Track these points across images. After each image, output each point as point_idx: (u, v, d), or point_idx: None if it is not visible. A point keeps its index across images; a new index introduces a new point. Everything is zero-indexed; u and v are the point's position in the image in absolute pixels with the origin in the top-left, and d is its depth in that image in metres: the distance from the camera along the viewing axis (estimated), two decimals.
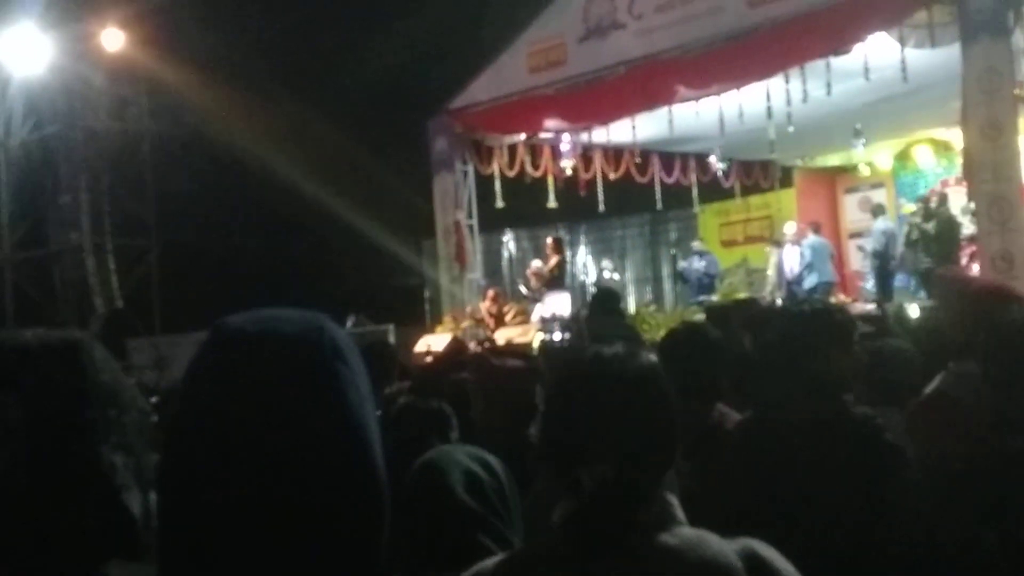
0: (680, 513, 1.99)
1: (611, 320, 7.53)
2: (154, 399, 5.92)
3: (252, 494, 1.22)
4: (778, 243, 18.92)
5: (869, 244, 18.15)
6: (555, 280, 16.84)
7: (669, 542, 1.91)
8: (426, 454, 2.63)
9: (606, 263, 21.70)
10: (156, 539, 1.28)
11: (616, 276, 21.23)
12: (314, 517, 1.23)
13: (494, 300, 16.67)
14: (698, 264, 19.46)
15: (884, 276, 17.33)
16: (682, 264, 20.34)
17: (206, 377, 1.29)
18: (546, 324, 14.77)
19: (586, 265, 24.50)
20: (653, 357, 2.12)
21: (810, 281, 17.75)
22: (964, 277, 8.26)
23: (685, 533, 1.95)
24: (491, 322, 16.29)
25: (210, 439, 1.25)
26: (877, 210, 18.17)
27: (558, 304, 16.02)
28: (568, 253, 24.30)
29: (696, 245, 20.16)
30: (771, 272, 19.00)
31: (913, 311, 10.07)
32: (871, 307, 13.59)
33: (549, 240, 18.07)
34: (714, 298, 17.62)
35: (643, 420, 2.01)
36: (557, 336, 13.36)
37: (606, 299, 8.56)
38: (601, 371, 2.06)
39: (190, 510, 1.24)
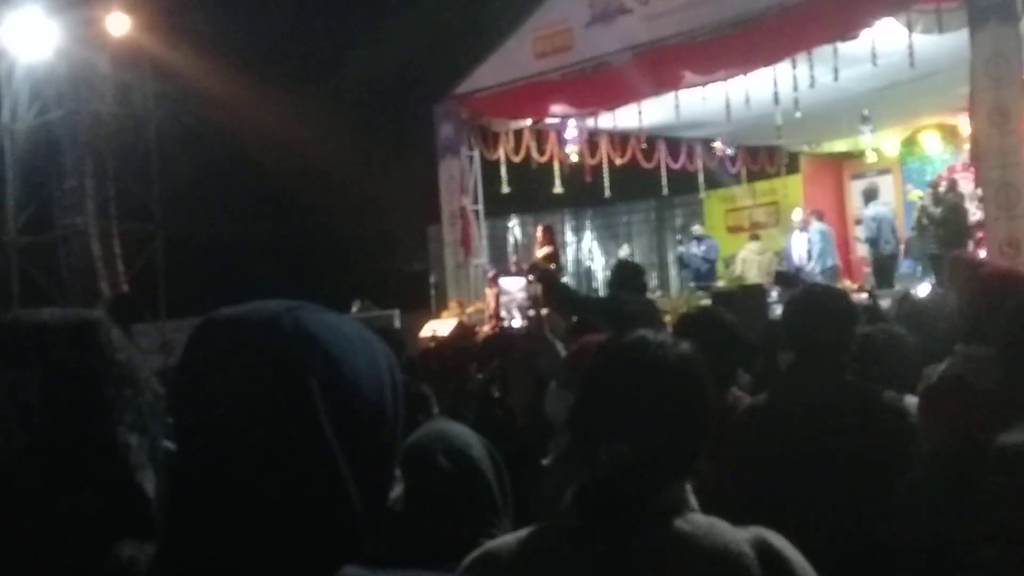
0: (693, 500, 1.99)
1: (633, 297, 7.46)
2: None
3: (215, 479, 1.27)
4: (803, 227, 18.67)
5: (862, 232, 18.11)
6: None
7: (683, 528, 1.92)
8: (416, 432, 2.66)
9: (624, 249, 21.69)
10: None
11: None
12: (275, 502, 1.27)
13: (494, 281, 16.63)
14: (696, 249, 19.49)
15: (879, 262, 17.28)
16: (680, 249, 20.39)
17: (181, 364, 1.36)
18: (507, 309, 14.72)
19: (591, 251, 24.49)
20: (694, 348, 2.12)
21: (820, 266, 17.74)
22: (976, 260, 8.23)
23: (698, 520, 1.96)
24: (494, 306, 16.27)
25: (183, 424, 1.32)
26: (869, 195, 18.06)
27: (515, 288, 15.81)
28: (569, 240, 24.31)
29: (695, 230, 20.20)
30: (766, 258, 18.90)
31: (917, 295, 10.05)
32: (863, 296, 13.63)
33: (540, 228, 18.04)
34: (720, 283, 17.63)
35: (672, 406, 2.02)
36: (516, 323, 13.31)
37: (629, 275, 8.46)
38: (640, 354, 2.07)
39: (172, 493, 1.32)
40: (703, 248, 19.43)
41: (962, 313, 4.08)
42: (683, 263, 20.11)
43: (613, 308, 7.02)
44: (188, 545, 1.29)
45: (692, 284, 18.82)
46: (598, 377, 2.13)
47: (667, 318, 11.89)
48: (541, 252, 17.06)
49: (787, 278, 13.50)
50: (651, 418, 1.98)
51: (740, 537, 1.94)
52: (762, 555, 1.92)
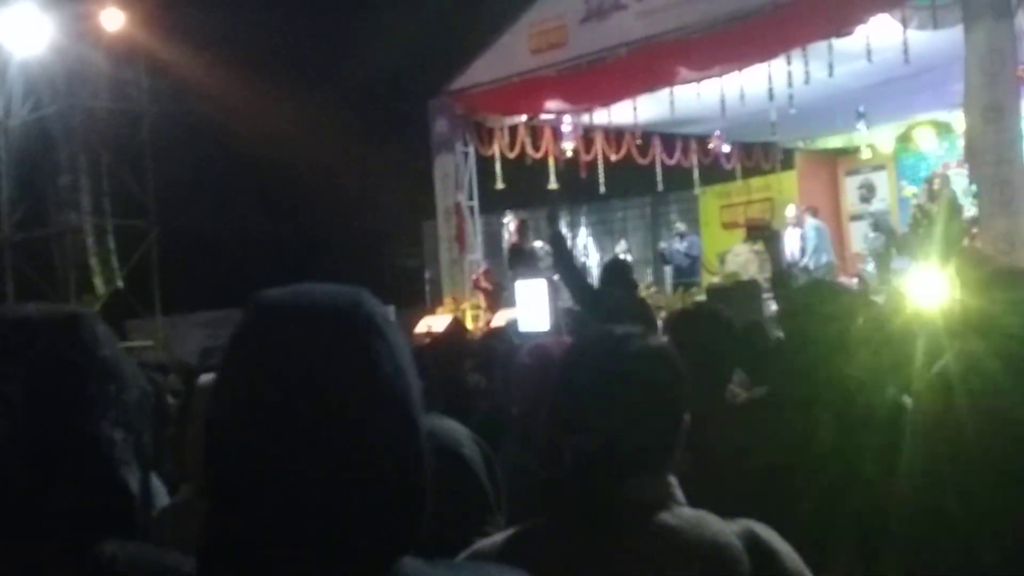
0: (680, 494, 1.98)
1: (623, 294, 7.42)
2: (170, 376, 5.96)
3: (291, 468, 1.21)
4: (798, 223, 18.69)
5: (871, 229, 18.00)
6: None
7: (668, 522, 1.91)
8: None
9: (621, 244, 21.68)
10: (205, 513, 1.26)
11: (630, 258, 21.25)
12: (355, 489, 1.23)
13: (486, 277, 16.59)
14: (679, 245, 19.52)
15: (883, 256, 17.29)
16: (662, 245, 20.43)
17: (243, 350, 1.28)
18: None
19: (587, 247, 24.48)
20: (663, 340, 2.12)
21: (817, 261, 17.75)
22: (982, 257, 8.23)
23: (684, 513, 1.95)
24: (484, 300, 16.27)
25: (246, 413, 1.24)
26: (868, 194, 18.04)
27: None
28: (564, 235, 24.26)
29: (678, 226, 20.24)
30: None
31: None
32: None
33: (515, 222, 17.95)
34: (715, 279, 17.62)
35: (636, 398, 2.01)
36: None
37: (618, 272, 8.41)
38: (605, 347, 2.07)
39: (232, 488, 1.24)
40: (685, 244, 19.47)
41: (964, 309, 4.08)
42: (664, 259, 20.16)
43: (596, 302, 7.01)
44: (262, 540, 1.23)
45: (675, 281, 18.87)
46: (564, 376, 2.12)
47: (662, 314, 11.89)
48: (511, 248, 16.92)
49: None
50: (615, 410, 1.97)
51: (728, 529, 1.94)
52: (751, 547, 1.92)
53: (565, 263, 8.39)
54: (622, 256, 20.01)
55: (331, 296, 1.30)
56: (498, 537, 2.07)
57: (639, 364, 2.05)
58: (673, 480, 1.99)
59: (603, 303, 6.85)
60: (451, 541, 2.26)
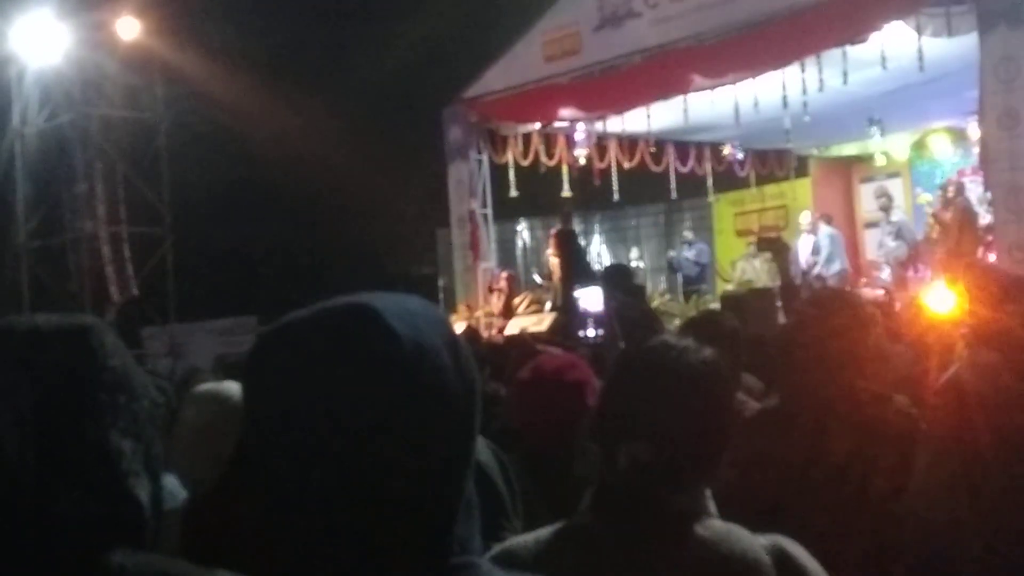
0: (712, 506, 2.00)
1: (629, 301, 7.41)
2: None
3: (315, 478, 1.21)
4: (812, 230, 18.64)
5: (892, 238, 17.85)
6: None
7: (701, 534, 1.93)
8: None
9: (634, 252, 21.71)
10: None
11: (641, 265, 21.28)
12: (385, 499, 1.22)
13: (508, 281, 16.63)
14: (688, 253, 19.55)
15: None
16: (671, 254, 20.45)
17: (263, 364, 1.29)
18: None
19: (600, 254, 24.47)
20: (715, 354, 2.13)
21: (831, 269, 17.71)
22: (990, 267, 8.22)
23: (716, 526, 1.97)
24: (499, 304, 16.27)
25: (268, 425, 1.25)
26: (888, 203, 17.89)
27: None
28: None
29: (687, 235, 20.28)
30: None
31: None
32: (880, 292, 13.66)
33: (553, 233, 17.97)
34: (729, 286, 17.60)
35: (691, 409, 2.04)
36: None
37: (620, 277, 8.38)
38: (661, 358, 2.10)
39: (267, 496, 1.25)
40: (694, 252, 19.51)
41: (973, 318, 4.06)
42: (673, 267, 20.20)
43: (626, 310, 7.01)
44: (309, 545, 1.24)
45: (685, 289, 18.90)
46: (620, 381, 2.15)
47: (676, 321, 11.88)
48: (552, 259, 16.98)
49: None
50: (671, 420, 2.00)
51: (757, 544, 1.95)
52: (779, 563, 1.93)
53: (575, 263, 8.37)
54: (632, 265, 20.06)
55: (342, 307, 1.29)
56: (529, 536, 2.08)
57: (698, 376, 2.07)
58: (708, 492, 2.01)
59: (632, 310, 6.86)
60: None
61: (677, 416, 2.00)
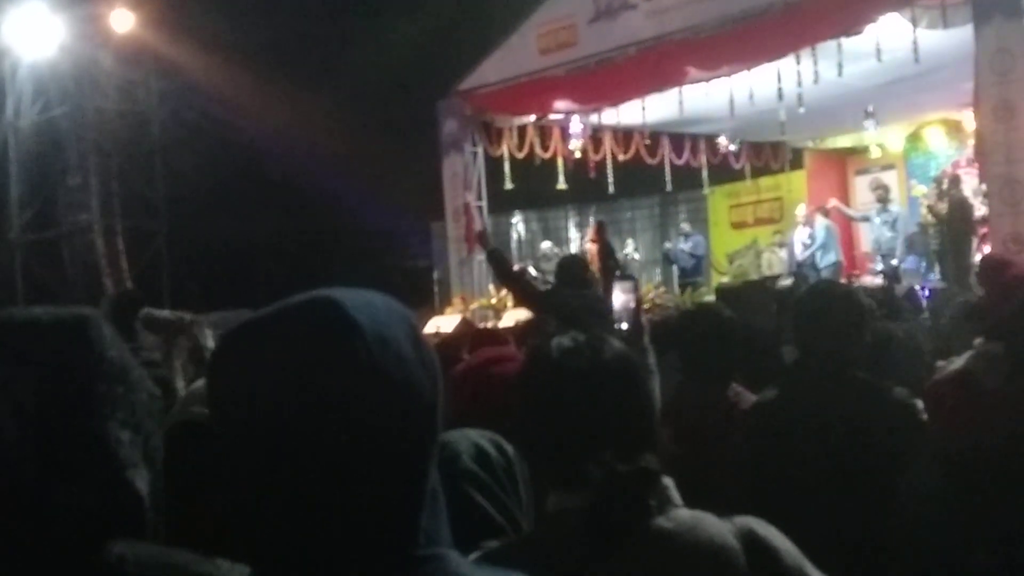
0: (676, 495, 1.97)
1: (578, 293, 7.32)
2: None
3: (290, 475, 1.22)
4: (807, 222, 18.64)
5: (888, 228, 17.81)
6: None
7: (664, 526, 1.90)
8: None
9: (629, 244, 21.68)
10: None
11: (637, 256, 21.27)
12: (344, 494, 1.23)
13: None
14: (683, 245, 19.57)
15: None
16: (667, 246, 20.47)
17: (226, 360, 1.30)
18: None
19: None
20: (620, 344, 2.11)
21: (825, 261, 17.74)
22: (1005, 261, 8.19)
23: (681, 516, 1.94)
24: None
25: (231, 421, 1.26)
26: (884, 194, 17.87)
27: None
28: (572, 236, 24.31)
29: (683, 227, 20.31)
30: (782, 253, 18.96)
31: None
32: (879, 281, 13.62)
33: (593, 224, 17.86)
34: (725, 278, 17.62)
35: (635, 408, 2.03)
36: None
37: (574, 270, 8.23)
38: (583, 362, 2.05)
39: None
40: (690, 244, 19.54)
41: (986, 310, 4.08)
42: (669, 259, 20.23)
43: (558, 304, 6.97)
44: (279, 544, 1.25)
45: (681, 281, 18.92)
46: (550, 393, 2.07)
47: (671, 313, 11.88)
48: (591, 248, 16.88)
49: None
50: (619, 422, 1.98)
51: (725, 529, 1.93)
52: (748, 545, 1.91)
53: (507, 277, 8.39)
54: (629, 256, 20.06)
55: (306, 301, 1.30)
56: (505, 541, 2.07)
57: (623, 374, 2.05)
58: (669, 482, 1.98)
59: (560, 305, 6.84)
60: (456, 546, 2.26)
61: (627, 417, 2.00)
